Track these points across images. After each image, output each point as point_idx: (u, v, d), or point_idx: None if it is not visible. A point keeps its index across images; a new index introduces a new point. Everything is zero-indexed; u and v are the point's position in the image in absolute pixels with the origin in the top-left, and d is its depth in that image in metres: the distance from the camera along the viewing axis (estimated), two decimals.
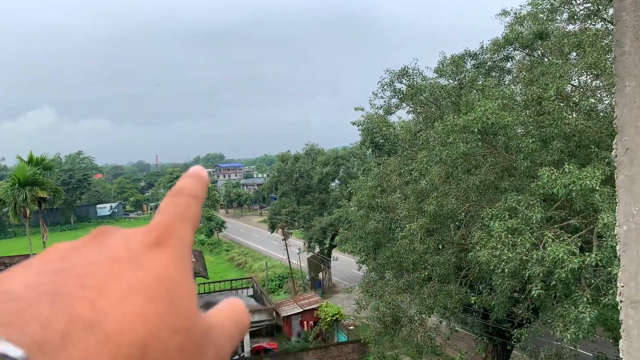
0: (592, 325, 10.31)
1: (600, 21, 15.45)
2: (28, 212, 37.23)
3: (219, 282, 37.63)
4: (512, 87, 16.67)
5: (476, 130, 12.21)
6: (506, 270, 10.63)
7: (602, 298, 10.07)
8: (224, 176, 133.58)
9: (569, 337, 10.37)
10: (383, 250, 17.81)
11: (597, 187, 9.80)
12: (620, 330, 1.30)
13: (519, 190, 12.72)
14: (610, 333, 13.11)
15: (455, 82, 18.05)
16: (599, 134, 12.19)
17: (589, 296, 10.27)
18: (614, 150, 1.33)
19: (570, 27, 16.41)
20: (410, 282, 17.10)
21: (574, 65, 13.12)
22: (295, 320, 31.20)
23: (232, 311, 0.44)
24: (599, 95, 14.55)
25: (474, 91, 16.40)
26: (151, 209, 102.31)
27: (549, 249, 10.01)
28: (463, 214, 14.97)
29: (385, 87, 19.83)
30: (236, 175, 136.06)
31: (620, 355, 1.30)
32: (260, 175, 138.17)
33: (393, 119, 22.34)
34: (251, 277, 39.45)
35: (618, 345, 1.32)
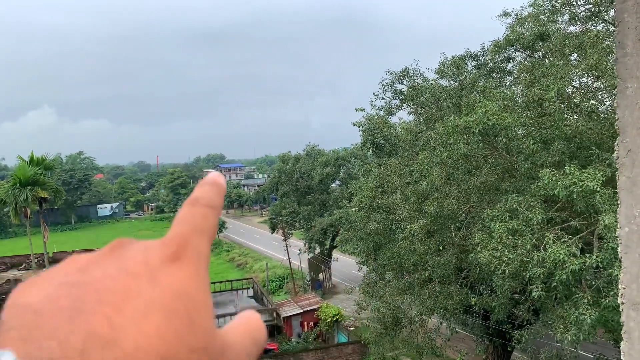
0: (592, 326, 10.28)
1: (602, 22, 15.41)
2: (29, 212, 37.27)
3: (220, 282, 37.65)
4: (513, 88, 16.63)
5: (477, 131, 12.20)
6: (507, 271, 10.62)
7: (603, 300, 10.05)
8: (225, 177, 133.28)
9: (569, 338, 10.35)
10: (383, 251, 17.81)
11: (598, 189, 9.78)
12: (622, 332, 1.30)
13: (520, 191, 12.71)
14: (611, 335, 13.08)
15: (456, 83, 18.04)
16: (600, 136, 12.17)
17: (589, 298, 10.25)
18: (615, 152, 1.33)
19: (572, 28, 16.38)
20: (411, 283, 17.10)
21: (575, 67, 13.09)
22: (295, 321, 31.18)
23: (249, 327, 0.43)
24: (600, 97, 14.54)
25: (475, 92, 16.39)
26: (152, 209, 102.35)
27: (549, 250, 9.99)
28: (464, 215, 14.96)
29: (386, 88, 19.82)
30: (237, 176, 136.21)
31: (622, 357, 1.30)
32: (260, 175, 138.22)
33: (394, 120, 22.31)
34: (251, 278, 39.47)
35: (619, 347, 1.31)
